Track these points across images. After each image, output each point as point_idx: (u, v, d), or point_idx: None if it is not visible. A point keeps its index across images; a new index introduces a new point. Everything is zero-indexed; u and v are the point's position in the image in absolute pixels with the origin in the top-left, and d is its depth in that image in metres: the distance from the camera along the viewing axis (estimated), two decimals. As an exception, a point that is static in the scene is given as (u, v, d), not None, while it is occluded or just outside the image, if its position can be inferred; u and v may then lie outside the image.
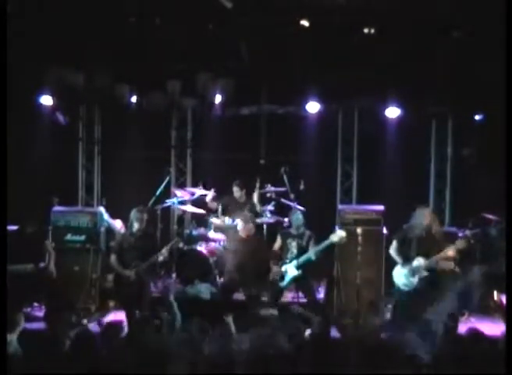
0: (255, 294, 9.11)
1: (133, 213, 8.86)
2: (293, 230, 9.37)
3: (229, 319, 8.15)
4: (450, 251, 8.08)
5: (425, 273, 8.14)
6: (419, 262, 8.13)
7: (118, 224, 10.21)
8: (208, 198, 10.70)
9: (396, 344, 5.00)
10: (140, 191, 11.12)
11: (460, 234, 9.41)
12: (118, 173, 11.96)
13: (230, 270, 9.32)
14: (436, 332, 6.70)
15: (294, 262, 9.08)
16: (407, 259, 8.27)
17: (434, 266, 8.20)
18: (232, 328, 8.03)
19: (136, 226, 8.81)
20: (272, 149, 11.94)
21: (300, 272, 9.04)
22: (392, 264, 8.73)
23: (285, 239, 9.34)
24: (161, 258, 8.67)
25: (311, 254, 9.02)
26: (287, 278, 9.12)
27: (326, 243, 9.01)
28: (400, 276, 8.40)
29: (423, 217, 8.34)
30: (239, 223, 9.41)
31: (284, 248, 9.31)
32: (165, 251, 8.64)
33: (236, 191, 10.66)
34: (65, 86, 10.66)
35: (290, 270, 9.10)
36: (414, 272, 8.23)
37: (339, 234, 9.01)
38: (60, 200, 10.36)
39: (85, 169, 12.37)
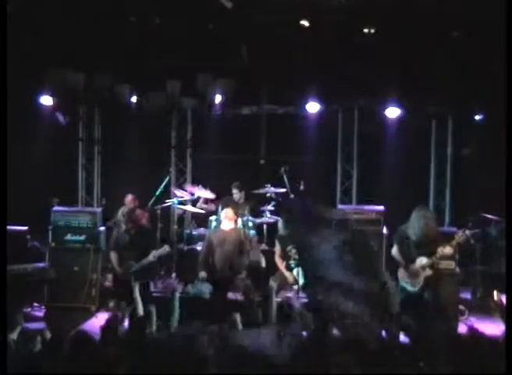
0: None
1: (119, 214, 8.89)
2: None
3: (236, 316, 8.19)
4: (449, 246, 8.07)
5: (430, 272, 8.11)
6: (422, 261, 8.11)
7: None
8: (201, 202, 10.74)
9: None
10: (140, 191, 11.11)
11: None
12: (118, 173, 11.96)
13: (219, 266, 9.24)
14: None
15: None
16: (409, 260, 8.25)
17: (437, 264, 8.18)
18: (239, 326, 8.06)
19: (122, 226, 8.80)
20: (272, 149, 11.93)
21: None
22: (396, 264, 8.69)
23: (284, 246, 9.23)
24: (150, 259, 8.60)
25: None
26: (301, 279, 9.00)
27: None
28: (405, 277, 8.36)
29: (419, 218, 8.32)
30: (225, 211, 9.30)
31: (285, 255, 9.20)
32: (152, 256, 8.58)
33: (236, 193, 10.64)
34: (65, 86, 10.67)
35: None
36: (418, 272, 8.20)
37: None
38: (60, 200, 10.35)
39: (85, 169, 12.38)
